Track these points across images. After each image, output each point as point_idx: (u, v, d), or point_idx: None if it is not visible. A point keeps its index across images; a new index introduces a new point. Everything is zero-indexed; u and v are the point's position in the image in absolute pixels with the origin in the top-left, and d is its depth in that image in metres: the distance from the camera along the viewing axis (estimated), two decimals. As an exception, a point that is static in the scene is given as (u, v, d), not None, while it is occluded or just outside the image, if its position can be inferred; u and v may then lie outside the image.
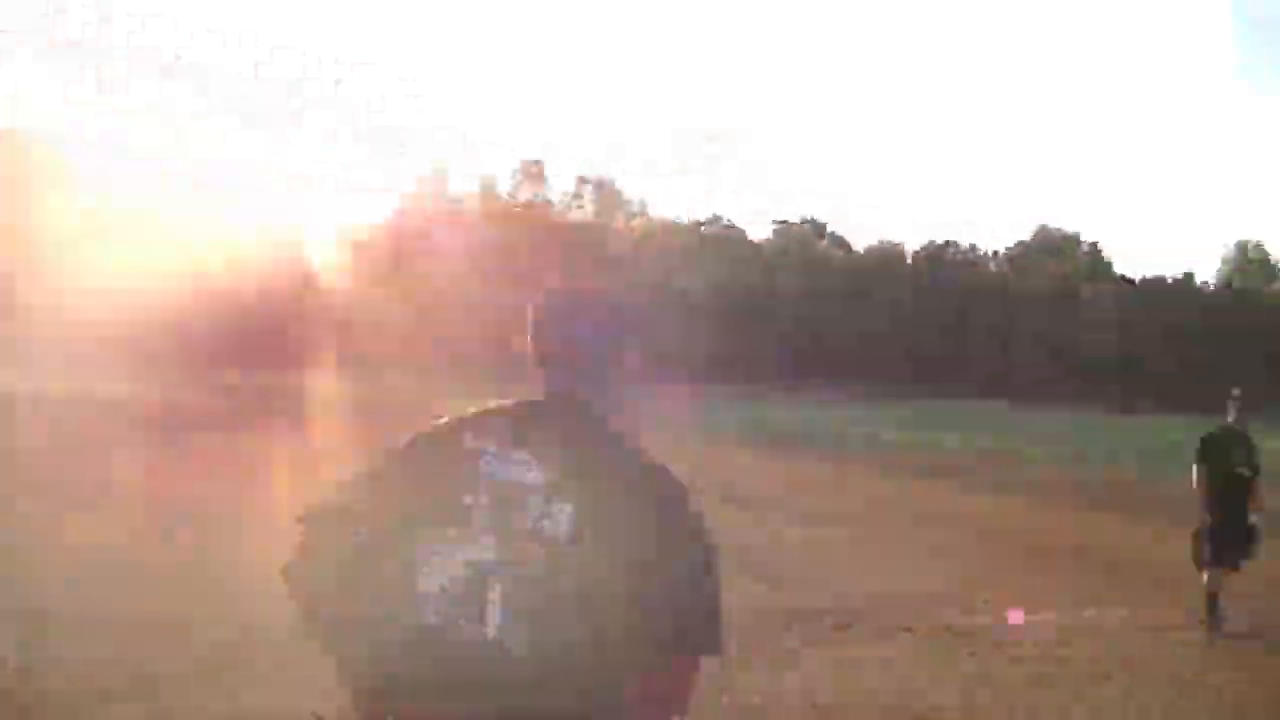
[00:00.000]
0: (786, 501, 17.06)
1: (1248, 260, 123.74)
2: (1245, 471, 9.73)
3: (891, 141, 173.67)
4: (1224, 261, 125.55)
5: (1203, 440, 9.85)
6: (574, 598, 1.97)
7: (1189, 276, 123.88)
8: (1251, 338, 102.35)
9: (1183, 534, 9.51)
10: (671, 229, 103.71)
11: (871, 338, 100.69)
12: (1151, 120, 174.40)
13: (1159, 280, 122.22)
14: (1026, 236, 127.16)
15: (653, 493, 2.10)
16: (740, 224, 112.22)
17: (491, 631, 1.98)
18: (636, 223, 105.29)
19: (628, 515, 2.05)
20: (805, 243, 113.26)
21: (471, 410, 2.23)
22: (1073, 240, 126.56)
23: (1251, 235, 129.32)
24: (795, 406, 50.85)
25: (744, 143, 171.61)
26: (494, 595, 1.99)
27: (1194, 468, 9.76)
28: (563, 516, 2.02)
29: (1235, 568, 9.62)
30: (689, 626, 2.04)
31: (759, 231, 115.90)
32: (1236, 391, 10.25)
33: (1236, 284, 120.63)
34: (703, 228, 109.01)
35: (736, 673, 6.74)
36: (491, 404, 2.23)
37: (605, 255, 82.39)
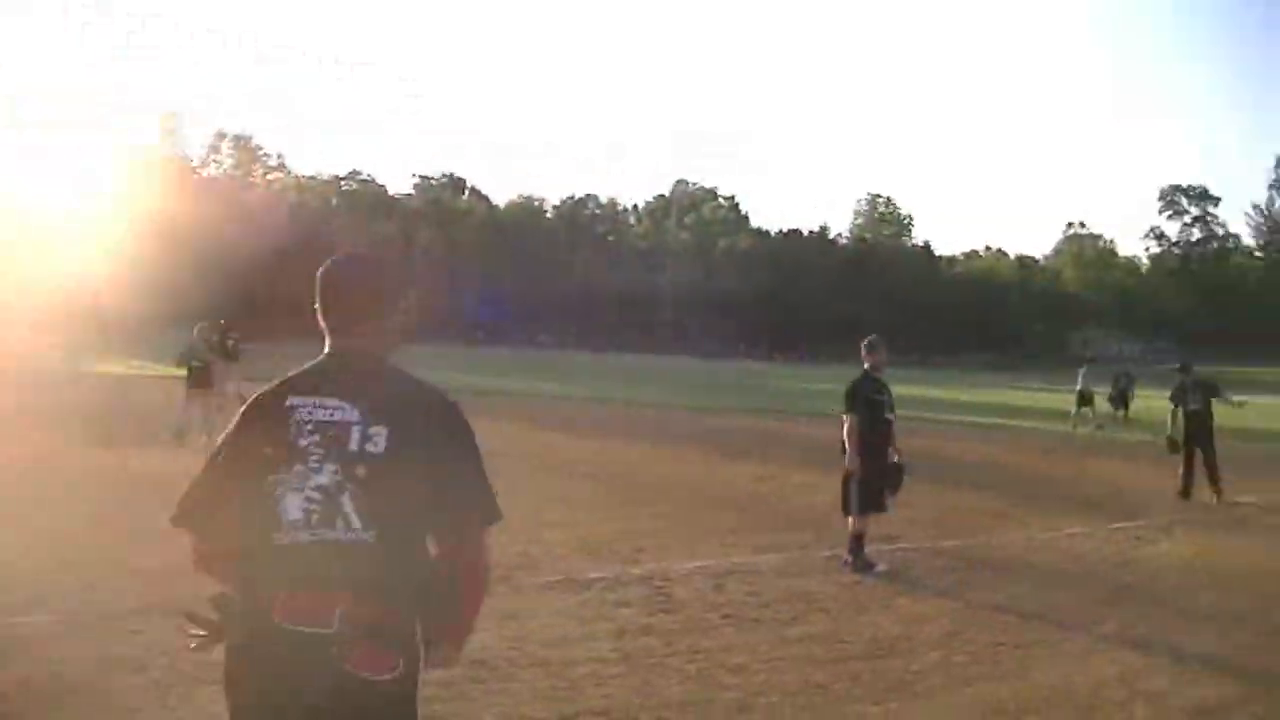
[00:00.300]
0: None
1: (878, 214, 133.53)
2: (890, 416, 10.06)
3: (533, 92, 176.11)
4: (857, 215, 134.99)
5: (850, 389, 10.04)
6: (398, 492, 2.77)
7: (824, 230, 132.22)
8: (883, 287, 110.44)
9: (828, 479, 9.77)
10: (309, 185, 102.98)
11: (514, 292, 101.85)
12: (784, 74, 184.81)
13: (795, 233, 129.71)
14: (665, 190, 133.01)
15: (434, 406, 2.94)
16: (381, 179, 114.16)
17: (350, 532, 2.75)
18: (274, 178, 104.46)
19: (425, 427, 2.88)
20: (445, 197, 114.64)
21: (290, 373, 2.95)
22: (711, 193, 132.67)
23: (882, 190, 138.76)
24: (414, 360, 50.62)
25: (385, 94, 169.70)
26: (346, 505, 2.76)
27: (844, 416, 9.96)
28: (380, 438, 2.81)
29: (882, 510, 9.95)
30: (483, 496, 2.91)
31: (400, 186, 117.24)
32: (871, 339, 10.49)
33: (870, 237, 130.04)
34: (342, 183, 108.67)
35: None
36: (306, 365, 2.97)
37: (240, 211, 79.99)
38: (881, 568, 9.60)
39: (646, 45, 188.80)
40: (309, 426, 2.82)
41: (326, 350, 2.99)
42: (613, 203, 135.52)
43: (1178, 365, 17.34)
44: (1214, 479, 15.40)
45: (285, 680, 2.67)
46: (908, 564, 10.06)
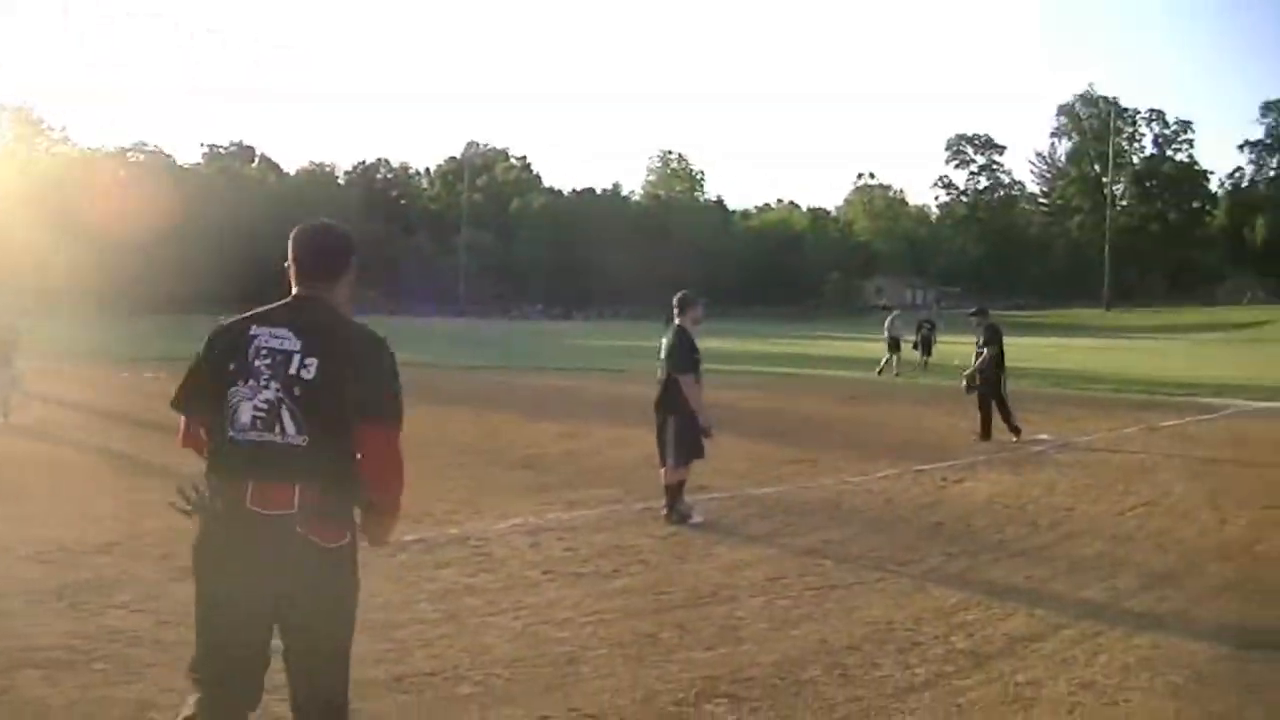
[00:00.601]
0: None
1: (670, 171, 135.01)
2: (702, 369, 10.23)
3: (319, 57, 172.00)
4: (649, 172, 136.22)
5: (679, 346, 10.04)
6: (321, 411, 3.59)
7: (617, 187, 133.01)
8: (678, 243, 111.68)
9: (634, 433, 9.79)
10: (95, 156, 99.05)
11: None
12: (572, 32, 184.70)
13: (589, 191, 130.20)
14: (456, 152, 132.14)
15: (361, 342, 3.75)
16: (169, 150, 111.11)
17: (286, 436, 3.58)
18: (58, 150, 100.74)
19: (349, 358, 3.67)
20: (234, 166, 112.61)
21: (256, 310, 3.79)
22: (502, 154, 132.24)
23: (673, 147, 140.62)
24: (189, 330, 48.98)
25: (171, 59, 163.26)
26: (284, 416, 3.58)
27: (678, 376, 9.95)
28: (313, 367, 3.61)
29: (701, 456, 10.10)
30: (394, 407, 3.72)
31: (189, 156, 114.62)
32: (685, 295, 10.58)
33: (663, 194, 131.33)
34: (129, 154, 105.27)
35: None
36: (272, 305, 3.80)
37: (23, 184, 76.39)
38: (697, 518, 9.76)
39: (434, 4, 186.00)
40: (264, 351, 3.65)
41: (293, 294, 3.84)
42: (404, 167, 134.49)
43: (973, 310, 18.14)
44: (1007, 419, 16.20)
45: (259, 549, 3.52)
46: (722, 513, 10.25)
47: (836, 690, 5.54)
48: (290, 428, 3.57)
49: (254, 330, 3.69)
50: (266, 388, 3.59)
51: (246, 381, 3.61)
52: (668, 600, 7.19)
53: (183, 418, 3.85)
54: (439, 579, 5.96)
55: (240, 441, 3.59)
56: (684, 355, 10.02)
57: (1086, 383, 28.23)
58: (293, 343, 3.65)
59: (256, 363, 3.62)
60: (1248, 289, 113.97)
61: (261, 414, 3.58)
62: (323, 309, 3.79)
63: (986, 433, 16.14)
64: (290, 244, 3.87)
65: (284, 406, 3.58)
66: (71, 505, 9.88)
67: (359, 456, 3.65)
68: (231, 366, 3.65)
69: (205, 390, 3.72)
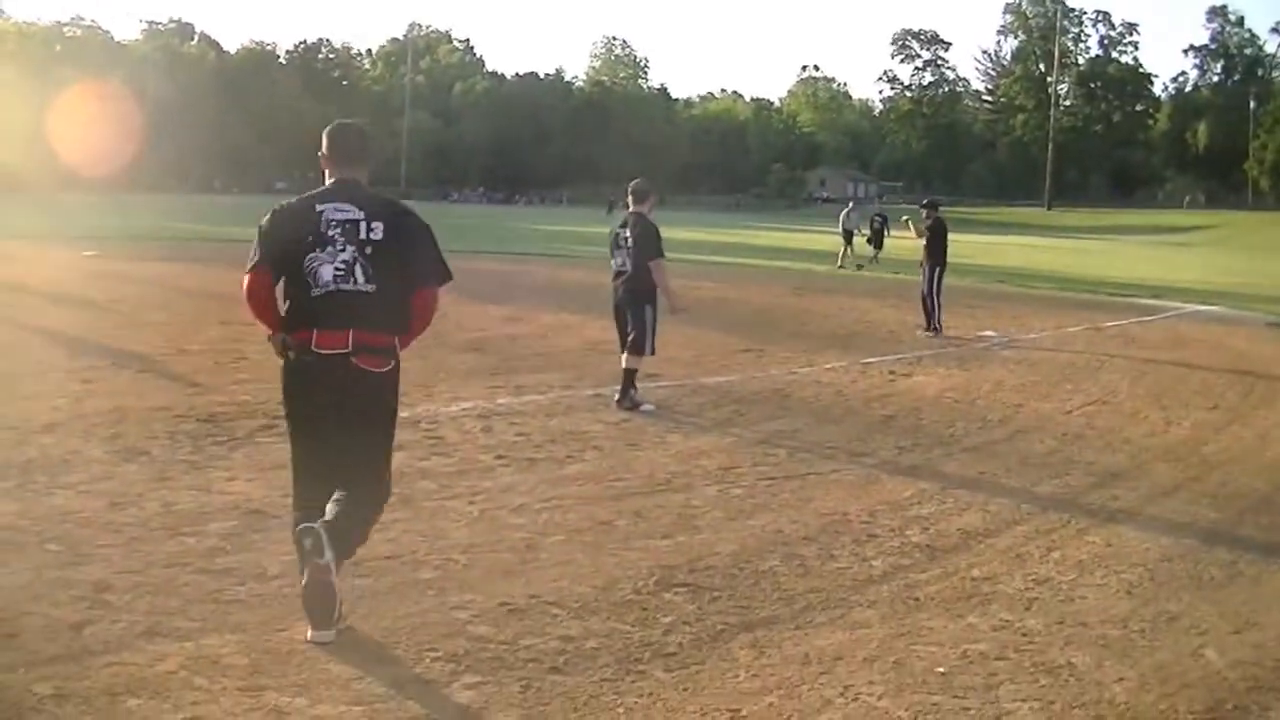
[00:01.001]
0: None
1: (614, 57, 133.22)
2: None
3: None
4: (593, 57, 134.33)
5: (654, 232, 9.97)
6: (387, 264, 4.65)
7: (560, 72, 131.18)
8: (621, 130, 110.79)
9: (580, 319, 9.59)
10: (29, 31, 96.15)
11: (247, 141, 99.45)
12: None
13: (532, 75, 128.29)
14: (399, 34, 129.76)
15: (404, 212, 4.87)
16: (106, 25, 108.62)
17: (359, 285, 4.62)
18: None
19: (401, 224, 4.76)
20: (174, 44, 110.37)
21: (310, 192, 4.82)
22: (445, 36, 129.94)
23: (618, 32, 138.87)
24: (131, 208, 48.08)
25: None
26: (358, 271, 4.62)
27: (654, 261, 9.88)
28: (379, 229, 4.67)
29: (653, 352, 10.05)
30: (437, 268, 4.87)
31: (127, 33, 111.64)
32: (640, 184, 10.37)
33: (606, 80, 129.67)
34: (65, 29, 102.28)
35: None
36: (321, 188, 4.79)
37: None
38: (648, 406, 9.71)
39: None
40: (334, 223, 4.66)
41: (334, 180, 4.81)
42: (346, 48, 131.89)
43: (925, 201, 18.13)
44: (931, 314, 16.32)
45: (324, 378, 4.61)
46: (673, 401, 10.21)
47: (796, 581, 5.51)
48: (361, 279, 4.62)
49: (319, 207, 4.69)
50: (343, 250, 4.63)
51: (325, 249, 4.62)
52: (623, 488, 7.14)
53: (250, 276, 4.66)
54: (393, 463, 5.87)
55: (319, 296, 4.61)
56: (656, 241, 9.96)
57: (1029, 280, 28.43)
58: (356, 213, 4.67)
59: (329, 232, 4.64)
60: (1188, 193, 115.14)
61: (341, 271, 4.61)
62: (364, 188, 4.83)
63: (931, 325, 16.20)
64: (325, 139, 4.89)
65: (358, 263, 4.63)
66: (12, 384, 9.61)
67: (409, 300, 4.76)
68: (309, 238, 4.63)
69: (277, 257, 4.66)
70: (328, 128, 4.94)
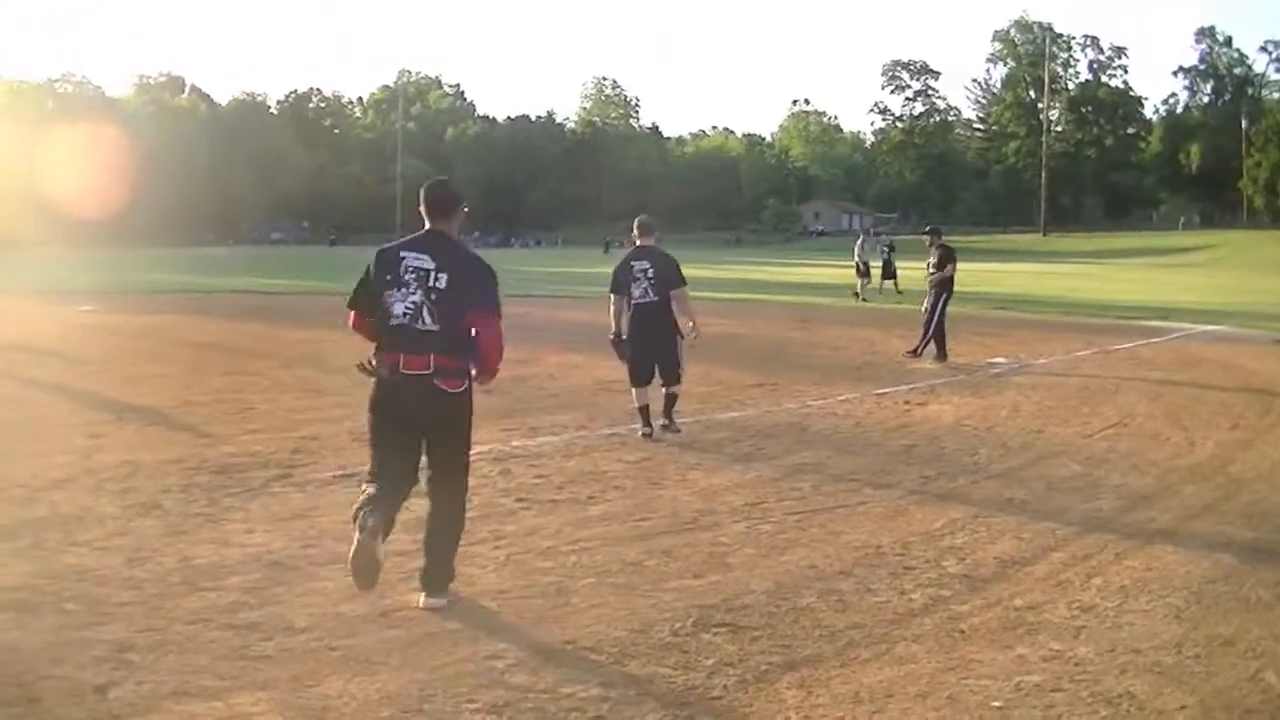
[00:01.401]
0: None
1: (605, 97, 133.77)
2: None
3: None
4: (584, 98, 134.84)
5: (674, 264, 10.23)
6: (449, 309, 5.48)
7: (551, 114, 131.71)
8: (613, 169, 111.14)
9: (589, 360, 9.51)
10: (20, 89, 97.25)
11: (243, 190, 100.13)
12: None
13: (523, 118, 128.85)
14: (390, 81, 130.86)
15: (475, 263, 5.73)
16: (98, 81, 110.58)
17: (425, 325, 5.45)
18: None
19: (467, 272, 5.60)
20: (165, 97, 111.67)
21: (403, 239, 5.75)
22: (435, 82, 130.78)
23: (608, 73, 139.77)
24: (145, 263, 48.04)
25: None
26: (424, 313, 5.46)
27: (610, 297, 10.21)
28: (444, 279, 5.50)
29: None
30: (494, 304, 5.64)
31: (119, 89, 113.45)
32: (645, 220, 10.73)
33: (598, 120, 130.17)
34: (56, 85, 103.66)
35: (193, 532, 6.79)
36: (413, 235, 5.72)
37: None
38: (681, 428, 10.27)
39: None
40: (411, 269, 5.52)
41: (426, 229, 5.68)
42: (337, 96, 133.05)
43: (928, 228, 18.10)
44: (933, 340, 16.34)
45: (408, 396, 5.43)
46: (691, 437, 10.10)
47: (835, 617, 5.39)
48: (428, 320, 5.46)
49: (403, 254, 5.59)
50: (414, 293, 5.48)
51: (400, 289, 5.48)
52: (649, 527, 7.02)
53: (352, 313, 5.72)
54: (411, 507, 5.70)
55: (395, 328, 5.46)
56: (678, 271, 10.23)
57: (1032, 306, 28.37)
58: (429, 263, 5.52)
59: (406, 276, 5.50)
60: (1182, 214, 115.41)
61: (410, 310, 5.46)
62: (446, 239, 5.69)
63: (943, 354, 16.13)
64: (421, 195, 5.77)
65: (425, 307, 5.46)
66: (18, 441, 9.49)
67: (474, 334, 5.53)
68: (389, 278, 5.52)
69: (371, 292, 5.59)
70: (424, 185, 5.84)
